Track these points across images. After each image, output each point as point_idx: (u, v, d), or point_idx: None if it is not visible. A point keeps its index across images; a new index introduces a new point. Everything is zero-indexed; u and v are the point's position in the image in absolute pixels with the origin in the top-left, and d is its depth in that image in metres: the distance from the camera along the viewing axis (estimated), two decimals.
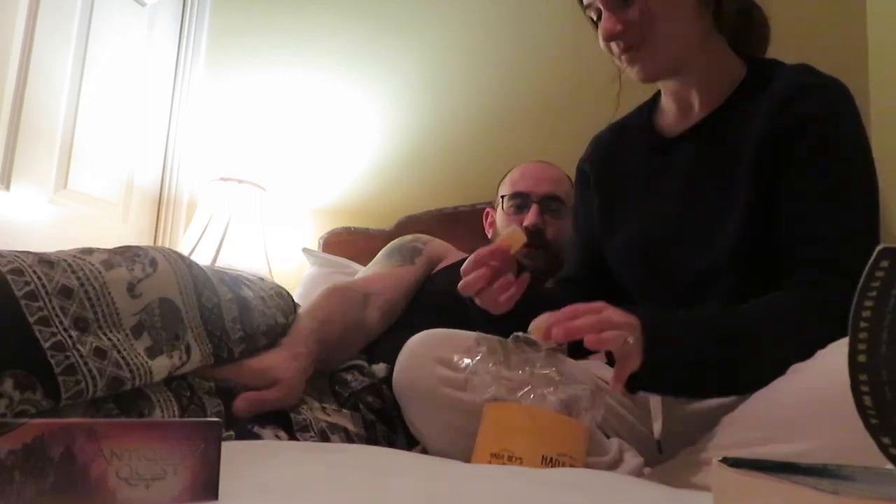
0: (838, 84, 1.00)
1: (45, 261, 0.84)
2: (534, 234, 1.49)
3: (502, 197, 1.60)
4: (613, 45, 1.06)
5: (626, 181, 1.16)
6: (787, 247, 0.96)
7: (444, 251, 1.57)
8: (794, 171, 0.96)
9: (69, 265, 0.85)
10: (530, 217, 1.52)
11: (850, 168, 0.96)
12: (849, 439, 0.71)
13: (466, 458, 0.91)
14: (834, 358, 0.79)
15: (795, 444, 0.78)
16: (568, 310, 0.86)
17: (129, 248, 0.94)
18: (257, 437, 0.97)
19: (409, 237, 1.61)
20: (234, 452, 0.68)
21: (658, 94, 1.20)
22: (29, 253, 0.85)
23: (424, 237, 1.60)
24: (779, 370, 0.85)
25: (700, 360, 0.87)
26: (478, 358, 0.93)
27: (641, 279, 1.11)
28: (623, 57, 1.06)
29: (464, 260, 1.45)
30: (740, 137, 1.02)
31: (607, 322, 0.84)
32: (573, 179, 1.43)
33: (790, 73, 1.03)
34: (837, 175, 0.95)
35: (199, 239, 2.15)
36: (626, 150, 1.19)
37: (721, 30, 1.07)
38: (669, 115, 1.15)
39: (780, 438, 0.80)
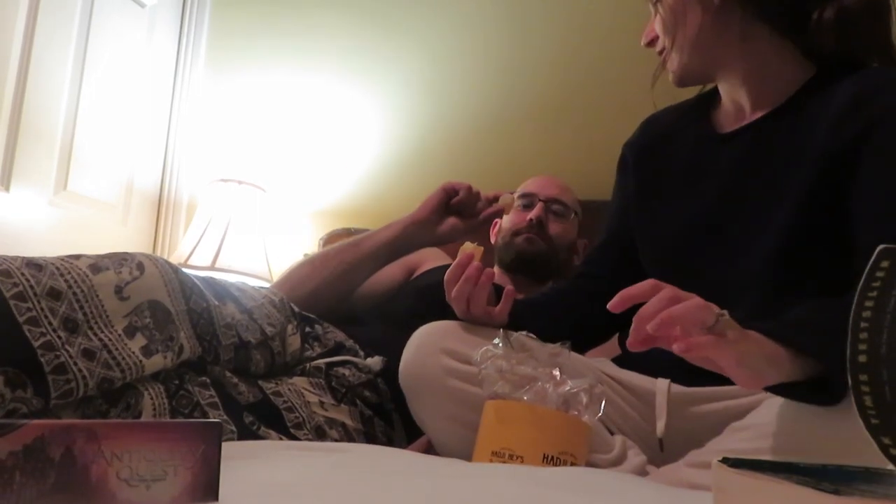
0: None
1: (33, 264, 0.86)
2: (537, 225, 1.59)
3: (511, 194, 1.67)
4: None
5: (668, 168, 1.12)
6: (860, 253, 0.87)
7: (421, 256, 1.67)
8: (863, 175, 0.89)
9: (57, 268, 0.87)
10: (535, 211, 1.60)
11: None
12: (862, 459, 0.70)
13: (470, 450, 0.91)
14: None
15: (806, 460, 0.77)
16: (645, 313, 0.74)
17: (117, 253, 0.95)
18: (255, 434, 0.98)
19: None
20: (234, 453, 0.68)
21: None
22: (16, 257, 0.86)
23: None
24: None
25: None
26: (489, 352, 0.93)
27: (667, 280, 1.08)
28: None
29: (442, 266, 1.51)
30: (793, 146, 0.97)
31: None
32: (575, 194, 1.50)
33: (861, 75, 0.95)
34: None
35: (199, 240, 2.14)
36: (676, 134, 1.15)
37: (784, 33, 1.00)
38: (725, 111, 1.11)
39: (789, 450, 0.79)
